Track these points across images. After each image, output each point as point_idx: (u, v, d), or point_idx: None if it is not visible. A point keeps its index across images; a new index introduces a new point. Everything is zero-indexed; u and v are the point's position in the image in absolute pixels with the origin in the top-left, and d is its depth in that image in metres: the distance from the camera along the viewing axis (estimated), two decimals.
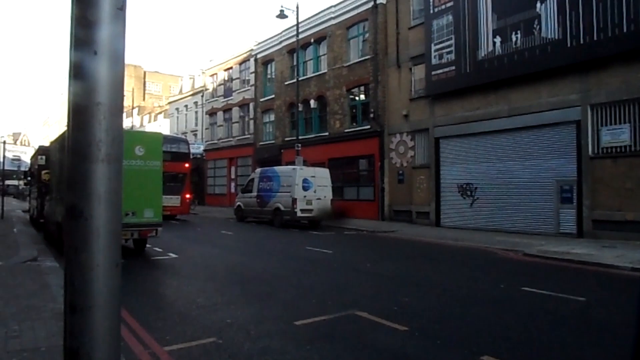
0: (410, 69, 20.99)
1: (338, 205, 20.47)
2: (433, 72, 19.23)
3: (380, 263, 10.65)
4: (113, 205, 1.10)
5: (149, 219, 10.51)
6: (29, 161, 23.06)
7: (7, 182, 43.10)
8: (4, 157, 30.27)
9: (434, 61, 19.19)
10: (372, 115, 22.60)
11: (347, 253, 12.31)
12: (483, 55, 17.32)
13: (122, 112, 1.16)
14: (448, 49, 18.62)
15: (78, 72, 1.11)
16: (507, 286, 8.11)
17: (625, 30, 13.51)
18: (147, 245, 11.85)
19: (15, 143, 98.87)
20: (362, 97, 24.08)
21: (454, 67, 18.37)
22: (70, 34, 1.13)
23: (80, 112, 1.11)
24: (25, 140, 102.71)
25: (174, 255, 11.02)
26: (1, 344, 4.55)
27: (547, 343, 5.12)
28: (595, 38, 14.16)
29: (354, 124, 24.28)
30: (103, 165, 1.09)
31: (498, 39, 16.78)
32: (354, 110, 24.53)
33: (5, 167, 50.16)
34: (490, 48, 17.04)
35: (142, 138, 11.18)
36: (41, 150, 16.85)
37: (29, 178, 21.43)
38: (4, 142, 29.90)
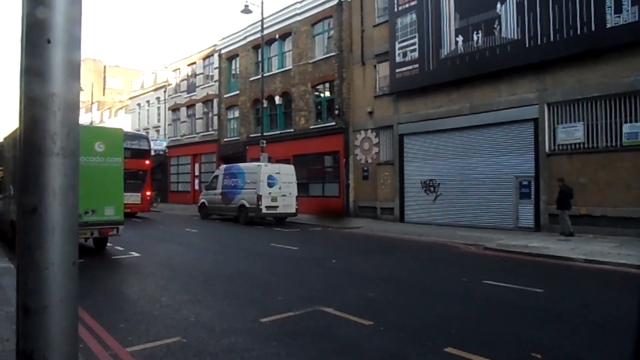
0: (375, 67, 21.17)
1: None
2: (397, 70, 19.46)
3: (346, 259, 10.71)
4: (69, 201, 1.04)
5: (110, 217, 10.22)
6: None
7: None
8: None
9: (398, 59, 19.42)
10: (337, 112, 22.70)
11: (312, 249, 12.32)
12: (446, 53, 17.65)
13: (78, 104, 1.10)
14: (412, 47, 18.87)
15: (31, 61, 1.04)
16: (469, 280, 8.31)
17: (579, 32, 14.04)
18: (108, 244, 11.54)
19: None
20: (327, 93, 24.16)
21: (417, 65, 18.65)
22: (21, 19, 1.06)
23: (33, 103, 1.04)
24: None
25: (136, 254, 10.76)
26: None
27: (507, 333, 5.28)
28: (552, 39, 14.66)
29: (319, 120, 24.33)
30: (58, 159, 1.03)
31: (460, 38, 17.13)
32: (319, 107, 24.59)
33: None
34: (453, 47, 17.38)
35: (102, 134, 10.85)
36: None
37: None
38: None
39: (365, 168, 21.47)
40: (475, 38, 16.66)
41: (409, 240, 14.14)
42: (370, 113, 21.16)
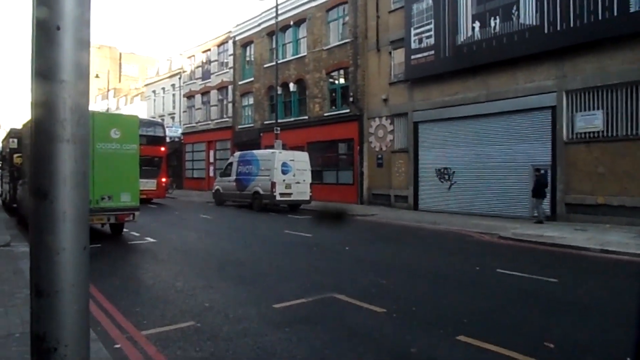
0: (390, 53, 20.95)
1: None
2: (412, 57, 19.24)
3: (359, 246, 10.73)
4: (79, 187, 1.05)
5: (126, 203, 10.35)
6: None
7: None
8: None
9: (413, 45, 19.18)
10: (351, 99, 22.57)
11: (326, 236, 12.35)
12: (462, 40, 17.38)
13: (88, 90, 1.11)
14: (427, 34, 18.62)
15: (41, 49, 1.05)
16: (483, 268, 8.27)
17: (600, 17, 13.69)
18: (125, 230, 11.72)
19: None
20: (342, 80, 23.99)
21: (433, 52, 18.40)
22: (32, 7, 1.07)
23: (43, 90, 1.05)
24: None
25: (151, 240, 10.91)
26: None
27: (520, 322, 5.26)
28: (571, 25, 14.32)
29: (334, 107, 24.22)
30: (68, 145, 1.04)
31: (477, 24, 16.84)
32: (334, 94, 24.45)
33: None
34: (470, 33, 17.10)
35: (118, 121, 10.93)
36: (13, 133, 16.36)
37: (0, 162, 20.83)
38: None
39: (380, 156, 21.38)
40: (492, 24, 16.36)
41: (423, 228, 14.10)
42: (385, 100, 21.00)
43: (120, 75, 66.22)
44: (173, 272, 7.76)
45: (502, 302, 6.16)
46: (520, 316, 5.52)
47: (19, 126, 15.89)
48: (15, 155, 14.51)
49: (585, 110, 14.49)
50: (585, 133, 14.46)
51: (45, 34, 1.04)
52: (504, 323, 5.26)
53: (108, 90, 47.41)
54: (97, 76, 43.74)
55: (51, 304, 1.02)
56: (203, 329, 4.87)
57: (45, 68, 1.04)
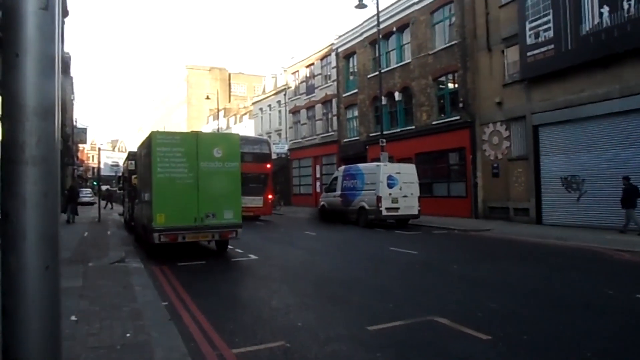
0: (503, 52, 19.87)
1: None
2: (528, 53, 18.03)
3: (470, 265, 10.19)
4: (41, 208, 1.11)
5: (229, 220, 10.87)
6: None
7: (107, 187, 46.95)
8: (101, 162, 33.29)
9: (529, 41, 17.99)
10: (461, 104, 21.74)
11: (433, 254, 11.94)
12: (587, 29, 15.91)
13: (51, 113, 1.19)
14: (545, 26, 17.35)
15: (3, 73, 1.15)
16: (617, 292, 7.35)
17: None
18: (229, 247, 12.31)
19: (113, 149, 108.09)
20: (450, 85, 23.26)
21: (552, 46, 17.08)
22: None
23: (7, 114, 1.14)
24: (122, 147, 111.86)
25: (254, 257, 11.35)
26: (82, 340, 4.95)
27: None
28: None
29: (442, 115, 23.50)
30: (27, 167, 1.11)
31: (606, 9, 15.31)
32: (442, 101, 23.77)
33: (105, 173, 54.88)
34: (597, 20, 15.61)
35: (220, 140, 11.63)
36: (131, 156, 18.26)
37: (121, 183, 23.36)
38: (99, 149, 32.81)
39: (495, 165, 20.24)
40: (625, 6, 14.76)
41: (546, 244, 12.99)
42: (499, 104, 19.90)
43: (229, 95, 71.01)
44: (270, 289, 7.98)
45: (639, 333, 5.39)
46: None
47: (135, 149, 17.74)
48: (133, 177, 16.18)
49: None
50: None
51: (7, 60, 1.13)
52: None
53: (218, 111, 50.97)
54: (207, 97, 47.39)
55: (14, 322, 1.07)
56: (292, 349, 4.91)
57: (7, 92, 1.13)
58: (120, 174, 25.56)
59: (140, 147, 13.09)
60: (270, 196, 23.95)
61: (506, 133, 19.74)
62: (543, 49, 17.44)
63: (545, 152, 18.13)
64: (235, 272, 9.97)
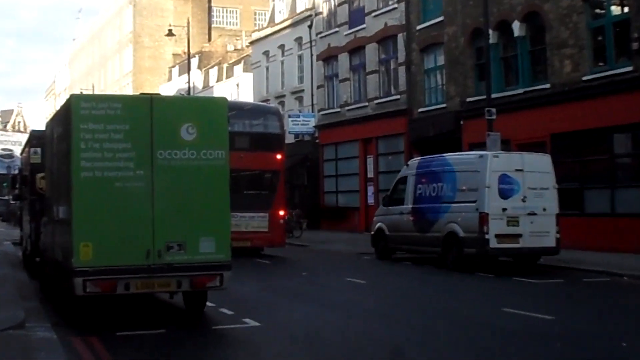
0: None
1: None
2: None
3: None
4: None
5: (208, 255, 7.25)
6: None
7: None
8: None
9: None
10: (636, 45, 15.32)
11: (581, 321, 8.44)
12: None
13: None
14: None
15: None
16: None
17: None
18: (209, 304, 8.53)
19: (4, 127, 70.82)
20: (616, 10, 16.70)
21: None
22: None
23: None
24: (19, 123, 76.21)
25: (253, 323, 7.78)
26: None
27: None
28: None
29: (602, 64, 16.74)
30: None
31: None
32: (600, 38, 17.08)
33: None
34: None
35: (193, 110, 7.96)
36: (34, 138, 12.62)
37: (17, 187, 15.80)
38: None
39: None
40: None
41: None
42: None
43: (209, 30, 48.28)
44: None
45: None
46: None
47: (42, 127, 12.15)
48: (38, 176, 11.25)
49: None
50: None
51: None
52: None
53: (189, 57, 32.05)
54: (170, 33, 31.17)
55: None
56: None
57: None
58: (17, 172, 18.86)
59: (52, 122, 9.52)
60: (281, 212, 16.84)
61: None
62: None
63: None
64: (222, 351, 6.80)
